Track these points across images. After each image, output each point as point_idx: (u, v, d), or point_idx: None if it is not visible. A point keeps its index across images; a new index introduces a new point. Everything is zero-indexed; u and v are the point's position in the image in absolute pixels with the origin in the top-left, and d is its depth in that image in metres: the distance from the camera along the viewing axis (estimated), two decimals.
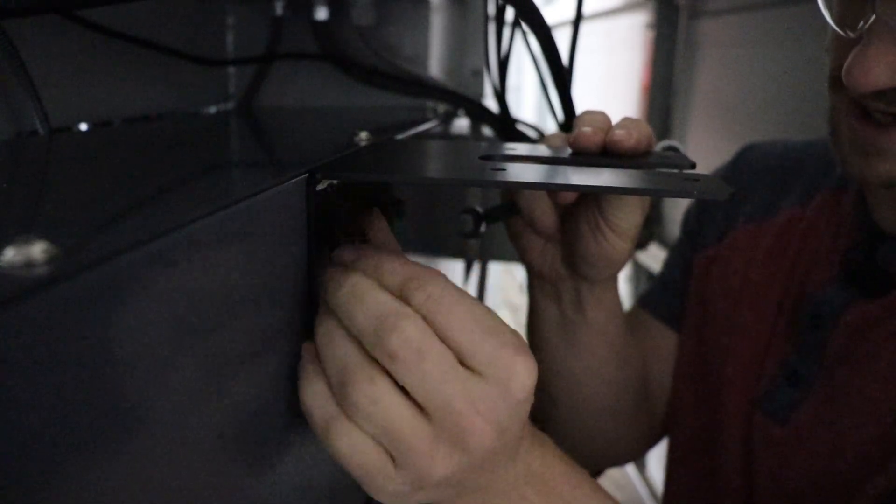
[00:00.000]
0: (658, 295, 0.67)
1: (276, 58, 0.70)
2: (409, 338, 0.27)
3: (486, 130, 0.82)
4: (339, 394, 0.28)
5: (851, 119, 0.43)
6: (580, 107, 0.48)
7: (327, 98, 0.73)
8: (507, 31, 0.54)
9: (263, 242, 0.27)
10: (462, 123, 0.76)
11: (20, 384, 0.15)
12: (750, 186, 0.62)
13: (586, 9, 0.58)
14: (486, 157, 0.36)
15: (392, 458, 0.29)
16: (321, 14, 0.67)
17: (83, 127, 0.49)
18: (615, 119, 0.41)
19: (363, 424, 0.28)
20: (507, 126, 0.64)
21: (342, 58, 0.70)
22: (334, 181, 0.31)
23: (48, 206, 0.25)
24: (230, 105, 0.72)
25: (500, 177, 0.31)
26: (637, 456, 0.69)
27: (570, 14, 0.53)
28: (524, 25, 0.45)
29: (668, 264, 0.69)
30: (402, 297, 0.29)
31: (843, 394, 0.48)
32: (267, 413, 0.29)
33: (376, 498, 0.30)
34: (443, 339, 0.28)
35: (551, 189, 0.42)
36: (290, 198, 0.29)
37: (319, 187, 0.30)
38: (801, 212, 0.57)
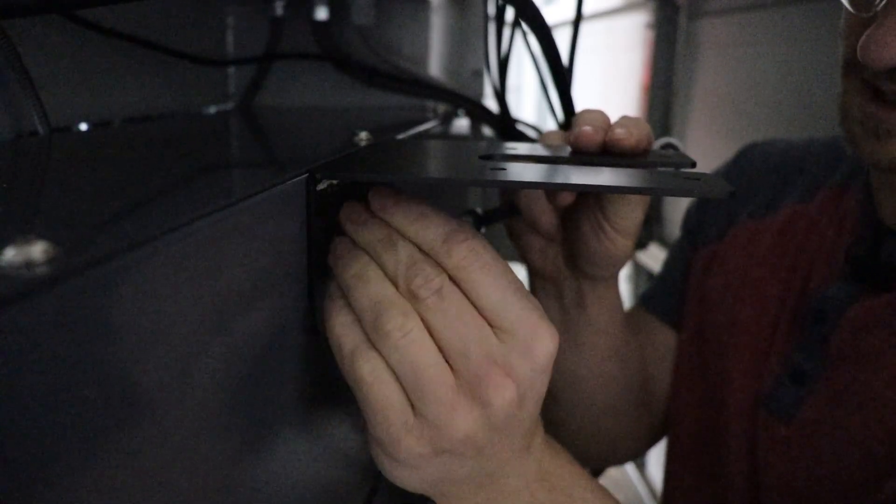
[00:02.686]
0: (658, 294, 0.67)
1: (276, 58, 0.70)
2: (430, 277, 0.28)
3: (486, 130, 0.82)
4: (371, 325, 0.29)
5: (864, 101, 0.43)
6: (580, 107, 0.48)
7: (327, 98, 0.73)
8: (507, 31, 0.54)
9: (264, 242, 0.27)
10: (462, 123, 0.76)
11: (20, 384, 0.15)
12: (751, 184, 0.62)
13: (586, 9, 0.58)
14: (486, 157, 0.36)
15: (412, 408, 0.29)
16: (321, 14, 0.67)
17: (83, 127, 0.49)
18: (613, 118, 0.41)
19: (391, 356, 0.28)
20: (507, 126, 0.64)
21: (342, 58, 0.70)
22: (334, 181, 0.31)
23: (48, 206, 0.25)
24: (230, 105, 0.72)
25: (500, 176, 0.31)
26: (637, 455, 0.69)
27: (570, 14, 0.53)
28: (524, 25, 0.45)
29: (669, 263, 0.69)
30: (444, 248, 0.29)
31: (848, 392, 0.48)
32: (267, 412, 0.29)
33: (393, 465, 0.30)
34: (475, 295, 0.29)
35: (551, 188, 0.42)
36: (290, 197, 0.29)
37: (319, 187, 0.30)
38: (803, 208, 0.56)
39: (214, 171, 0.35)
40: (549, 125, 0.69)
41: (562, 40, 0.44)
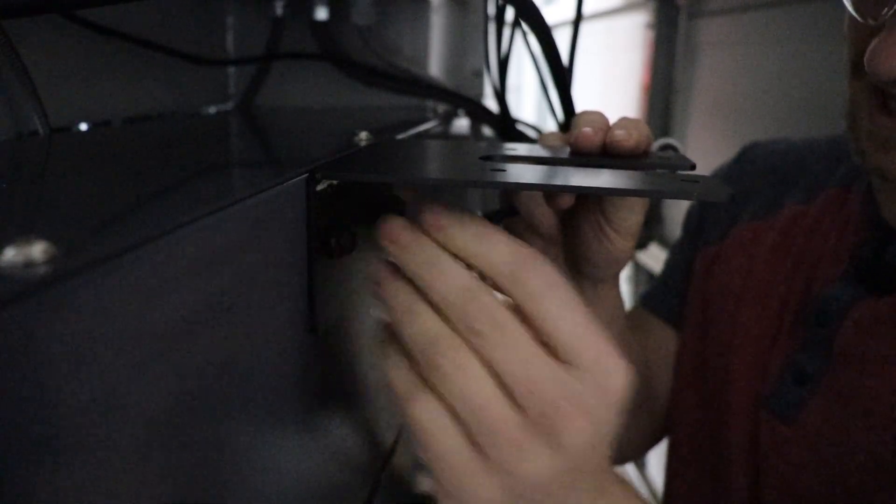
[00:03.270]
0: (660, 294, 0.67)
1: (276, 58, 0.70)
2: (488, 308, 0.26)
3: (486, 130, 0.82)
4: (425, 365, 0.27)
5: (872, 111, 0.42)
6: (580, 107, 0.48)
7: (327, 98, 0.73)
8: (507, 31, 0.54)
9: (263, 242, 0.27)
10: (462, 123, 0.76)
11: (20, 384, 0.15)
12: (752, 185, 0.62)
13: (586, 9, 0.58)
14: (487, 158, 0.35)
15: (478, 448, 0.27)
16: (321, 14, 0.67)
17: (83, 127, 0.49)
18: (613, 119, 0.41)
19: (448, 396, 0.27)
20: (507, 126, 0.64)
21: (342, 58, 0.70)
22: (334, 181, 0.31)
23: (48, 206, 0.25)
24: (230, 105, 0.72)
25: (500, 177, 0.31)
26: (638, 456, 0.69)
27: (570, 14, 0.53)
28: (524, 25, 0.45)
29: (670, 263, 0.69)
30: (514, 276, 0.27)
31: (852, 394, 0.47)
32: (267, 413, 0.29)
33: (467, 501, 0.28)
34: (547, 327, 0.27)
35: (551, 190, 0.42)
36: (290, 198, 0.29)
37: (319, 187, 0.30)
38: (805, 209, 0.56)
39: (214, 171, 0.35)
40: (549, 125, 0.69)
41: (562, 40, 0.44)
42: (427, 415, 0.27)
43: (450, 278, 0.27)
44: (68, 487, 0.17)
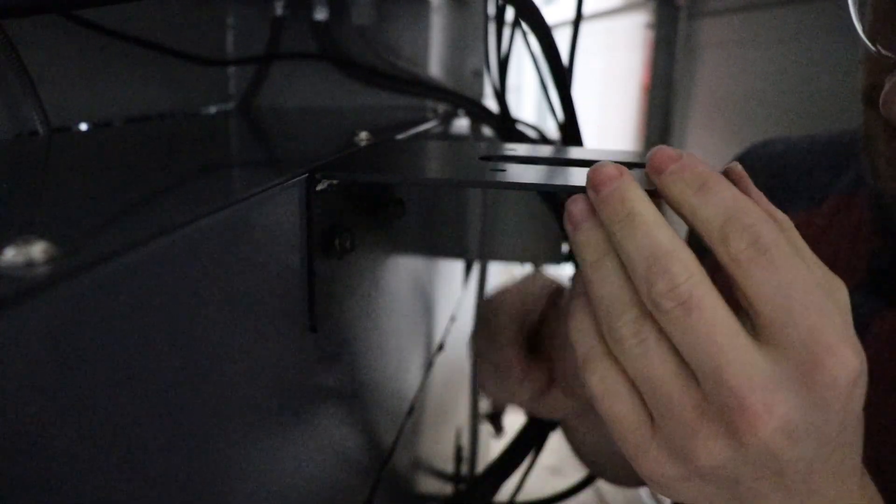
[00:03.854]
0: None
1: (276, 58, 0.70)
2: (675, 285, 0.23)
3: (486, 130, 0.82)
4: (606, 327, 0.25)
5: (889, 137, 0.40)
6: (580, 107, 0.48)
7: (327, 98, 0.73)
8: (507, 31, 0.54)
9: (263, 242, 0.27)
10: (462, 123, 0.76)
11: (20, 385, 0.15)
12: None
13: (586, 9, 0.58)
14: (486, 158, 0.36)
15: (654, 423, 0.25)
16: (321, 14, 0.67)
17: (83, 127, 0.49)
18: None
19: (626, 365, 0.25)
20: (507, 126, 0.64)
21: (342, 58, 0.70)
22: (334, 181, 0.31)
23: (48, 206, 0.25)
24: (230, 105, 0.72)
25: (500, 177, 0.31)
26: None
27: (570, 14, 0.53)
28: (524, 25, 0.45)
29: None
30: (722, 233, 0.24)
31: (873, 411, 0.46)
32: (267, 412, 0.29)
33: (640, 471, 0.26)
34: (749, 298, 0.24)
35: (551, 190, 0.42)
36: (290, 197, 0.29)
37: (319, 187, 0.30)
38: (809, 218, 0.55)
39: (214, 171, 0.35)
40: (549, 125, 0.69)
41: (562, 40, 0.44)
42: (603, 382, 0.25)
43: (638, 239, 0.24)
44: (68, 488, 0.17)
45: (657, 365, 0.24)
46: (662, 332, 0.24)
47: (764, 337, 0.24)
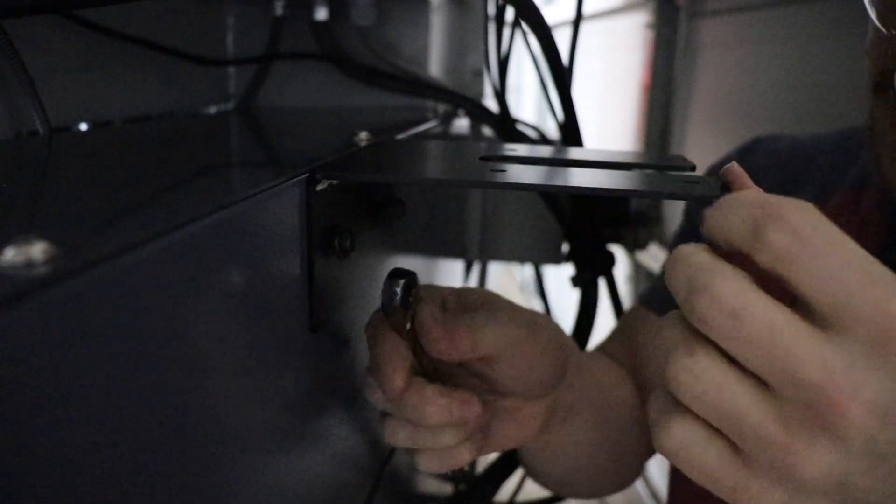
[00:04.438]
0: (661, 292, 0.66)
1: (276, 58, 0.70)
2: (717, 297, 0.22)
3: (486, 130, 0.82)
4: (665, 380, 0.24)
5: (894, 126, 0.39)
6: (580, 107, 0.48)
7: (327, 98, 0.73)
8: (507, 31, 0.54)
9: (264, 242, 0.27)
10: (462, 123, 0.76)
11: (20, 384, 0.15)
12: (758, 183, 0.61)
13: (586, 9, 0.58)
14: (486, 158, 0.36)
15: (746, 457, 0.24)
16: (321, 14, 0.67)
17: (83, 127, 0.49)
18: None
19: (691, 406, 0.23)
20: (507, 126, 0.64)
21: (342, 58, 0.70)
22: (334, 181, 0.31)
23: (48, 206, 0.25)
24: (230, 105, 0.72)
25: (500, 178, 0.31)
26: (639, 472, 0.65)
27: (570, 14, 0.53)
28: (524, 25, 0.45)
29: None
30: (754, 235, 0.23)
31: None
32: (267, 413, 0.29)
33: None
34: (800, 290, 0.22)
35: (551, 190, 0.42)
36: (290, 197, 0.29)
37: (319, 187, 0.30)
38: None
39: (214, 171, 0.35)
40: (549, 125, 0.69)
41: (562, 40, 0.44)
42: (676, 441, 0.24)
43: (677, 271, 0.24)
44: (68, 487, 0.17)
45: (723, 396, 0.23)
46: (720, 357, 0.23)
47: (829, 325, 0.22)
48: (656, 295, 0.66)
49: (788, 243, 0.22)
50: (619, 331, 0.66)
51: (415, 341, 0.35)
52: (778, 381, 0.22)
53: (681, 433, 0.24)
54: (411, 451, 0.38)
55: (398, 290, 0.33)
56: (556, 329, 0.41)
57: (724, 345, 0.23)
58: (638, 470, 0.60)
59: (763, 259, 0.23)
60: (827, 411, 0.22)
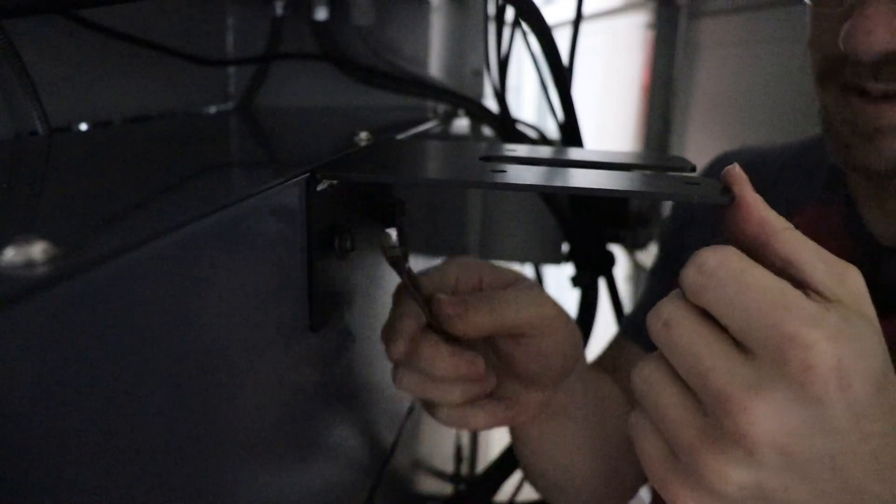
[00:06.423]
0: (641, 323, 0.64)
1: (276, 58, 0.70)
2: (657, 310, 0.27)
3: (487, 131, 0.82)
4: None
5: (851, 99, 0.41)
6: (580, 107, 0.48)
7: (327, 98, 0.73)
8: (507, 31, 0.54)
9: (263, 242, 0.27)
10: (462, 123, 0.76)
11: (20, 384, 0.15)
12: None
13: (586, 9, 0.58)
14: (486, 158, 0.36)
15: (679, 460, 0.26)
16: (321, 14, 0.67)
17: (83, 127, 0.49)
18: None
19: (646, 408, 0.27)
20: (507, 126, 0.64)
21: (342, 58, 0.70)
22: (334, 181, 0.31)
23: (48, 206, 0.25)
24: (230, 105, 0.72)
25: (500, 178, 0.31)
26: (631, 495, 0.64)
27: (570, 14, 0.53)
28: (524, 25, 0.45)
29: (649, 290, 0.66)
30: (692, 291, 0.26)
31: None
32: (267, 413, 0.29)
33: None
34: (718, 314, 0.25)
35: (551, 191, 0.42)
36: (290, 198, 0.29)
37: (320, 187, 0.30)
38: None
39: (214, 171, 0.35)
40: (549, 125, 0.69)
41: (562, 40, 0.44)
42: (633, 421, 0.28)
43: (651, 323, 0.27)
44: (68, 487, 0.17)
45: (658, 396, 0.26)
46: (660, 365, 0.27)
47: (743, 348, 0.24)
48: (638, 325, 0.64)
49: (695, 277, 0.25)
50: (602, 359, 0.65)
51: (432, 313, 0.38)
52: (699, 389, 0.25)
53: (636, 417, 0.28)
54: (427, 405, 0.41)
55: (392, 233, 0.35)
56: (576, 326, 0.43)
57: (662, 350, 0.26)
58: (635, 488, 0.60)
59: (701, 302, 0.26)
60: (731, 423, 0.24)
